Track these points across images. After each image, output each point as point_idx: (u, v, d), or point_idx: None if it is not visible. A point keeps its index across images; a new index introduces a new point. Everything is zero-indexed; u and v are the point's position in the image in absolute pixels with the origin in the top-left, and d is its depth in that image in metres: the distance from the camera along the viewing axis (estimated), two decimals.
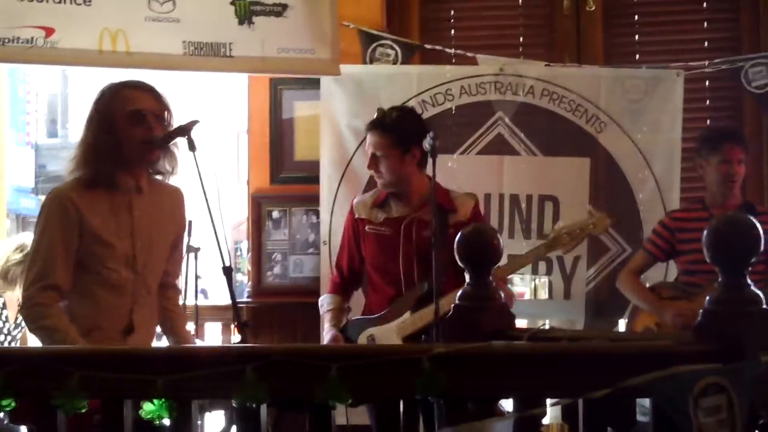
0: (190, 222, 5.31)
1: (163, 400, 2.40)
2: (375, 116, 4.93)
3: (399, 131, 4.78)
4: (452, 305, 2.79)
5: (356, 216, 4.98)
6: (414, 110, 5.20)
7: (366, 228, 4.94)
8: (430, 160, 4.54)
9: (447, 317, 2.81)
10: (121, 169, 3.91)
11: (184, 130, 3.81)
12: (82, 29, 5.40)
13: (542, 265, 5.98)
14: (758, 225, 2.36)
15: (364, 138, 5.86)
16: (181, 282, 4.52)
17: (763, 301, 2.35)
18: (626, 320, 5.79)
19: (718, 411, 2.22)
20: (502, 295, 2.86)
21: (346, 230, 5.09)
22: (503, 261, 5.48)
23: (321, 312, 5.10)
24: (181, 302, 4.35)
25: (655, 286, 5.49)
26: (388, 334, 4.76)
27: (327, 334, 4.98)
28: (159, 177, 4.06)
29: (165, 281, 4.15)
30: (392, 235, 4.81)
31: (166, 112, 3.94)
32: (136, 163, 3.93)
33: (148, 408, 2.41)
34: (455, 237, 2.77)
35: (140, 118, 3.86)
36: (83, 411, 2.45)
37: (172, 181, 4.12)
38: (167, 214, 4.09)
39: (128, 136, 3.85)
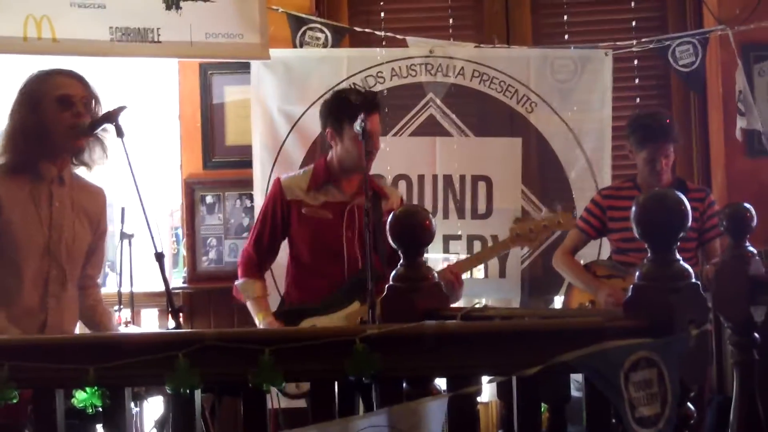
0: (122, 209, 5.28)
1: (95, 388, 2.38)
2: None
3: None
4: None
5: (287, 197, 4.87)
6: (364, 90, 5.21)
7: (303, 210, 4.84)
8: None
9: (382, 297, 2.81)
10: (44, 157, 3.88)
11: (112, 117, 3.78)
12: (5, 16, 5.32)
13: (477, 244, 6.00)
14: (685, 200, 2.38)
15: (296, 122, 5.87)
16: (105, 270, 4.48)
17: (692, 275, 2.37)
18: (562, 298, 5.85)
19: (649, 385, 2.24)
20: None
21: (269, 208, 4.94)
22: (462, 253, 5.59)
23: (243, 298, 4.97)
24: (100, 292, 4.30)
25: (590, 265, 5.54)
26: (335, 324, 4.65)
27: (264, 323, 4.83)
28: (84, 168, 4.02)
29: (86, 282, 4.13)
30: (334, 219, 4.77)
31: (93, 101, 3.91)
32: (62, 149, 3.91)
33: (80, 396, 2.39)
34: None
35: (69, 103, 3.85)
36: (14, 402, 2.42)
37: (97, 176, 4.10)
38: (88, 212, 4.07)
39: (56, 120, 3.84)
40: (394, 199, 4.93)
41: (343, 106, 4.76)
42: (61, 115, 3.83)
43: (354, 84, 5.93)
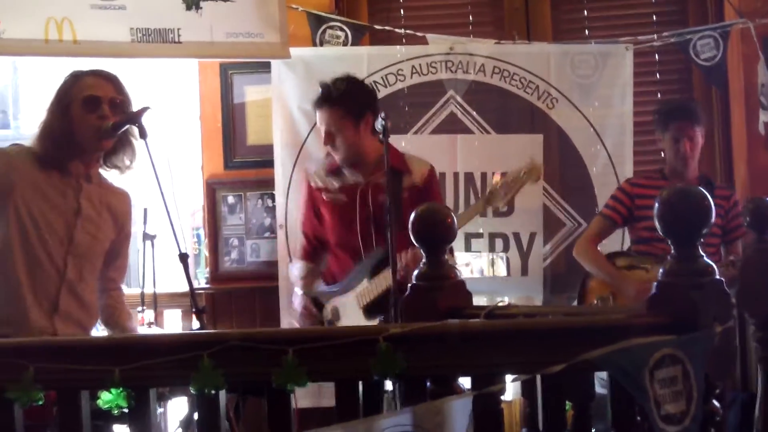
0: (145, 209, 5.30)
1: (120, 389, 2.39)
2: (320, 92, 4.89)
3: (348, 102, 4.77)
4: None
5: (313, 185, 5.00)
6: (356, 78, 5.10)
7: (323, 196, 4.95)
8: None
9: (404, 296, 2.81)
10: (73, 156, 3.96)
11: (134, 118, 3.82)
12: (27, 19, 5.34)
13: (499, 242, 6.00)
14: (709, 196, 2.37)
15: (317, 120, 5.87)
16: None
17: (716, 271, 2.36)
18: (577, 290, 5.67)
19: (674, 382, 2.23)
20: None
21: (305, 199, 5.10)
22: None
23: (292, 279, 5.18)
24: (122, 294, 4.35)
25: (610, 255, 5.49)
26: (350, 304, 4.80)
27: (297, 300, 5.07)
28: (116, 171, 4.09)
29: (107, 285, 4.20)
30: (349, 202, 4.81)
31: (123, 101, 3.96)
32: (89, 150, 3.97)
33: (105, 398, 2.40)
34: (409, 200, 2.77)
35: (95, 104, 3.90)
36: (40, 403, 2.44)
37: (128, 179, 4.17)
38: (113, 211, 4.14)
39: (81, 121, 3.90)
40: (418, 172, 4.88)
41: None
42: (87, 116, 3.89)
43: (374, 82, 5.91)
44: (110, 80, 3.99)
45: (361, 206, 4.74)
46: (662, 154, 5.61)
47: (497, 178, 4.90)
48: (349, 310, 4.77)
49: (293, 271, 5.19)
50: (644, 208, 5.27)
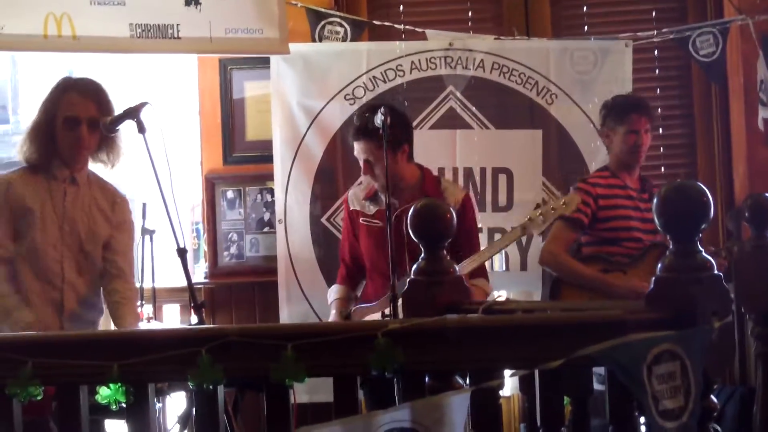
0: (144, 204, 5.31)
1: (118, 384, 2.39)
2: (357, 123, 4.95)
3: (385, 134, 4.71)
4: None
5: (351, 207, 5.12)
6: (394, 107, 5.06)
7: (360, 220, 5.06)
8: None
9: (403, 292, 2.81)
10: (57, 160, 4.17)
11: (133, 113, 3.83)
12: (26, 14, 5.34)
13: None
14: (708, 193, 2.37)
15: (316, 116, 5.88)
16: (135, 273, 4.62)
17: (714, 266, 2.37)
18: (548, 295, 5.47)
19: (672, 378, 2.23)
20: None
21: (345, 221, 5.24)
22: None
23: (329, 302, 5.25)
24: (131, 291, 4.39)
25: (579, 261, 5.28)
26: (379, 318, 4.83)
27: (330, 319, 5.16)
28: (101, 165, 4.27)
29: (112, 273, 4.28)
30: (384, 227, 4.79)
31: (106, 119, 4.07)
32: (69, 162, 4.19)
33: (104, 393, 2.40)
34: None
35: (75, 123, 4.09)
36: (39, 398, 2.44)
37: (119, 173, 4.34)
38: (100, 206, 4.27)
39: (62, 137, 4.12)
40: (452, 198, 4.94)
41: None
42: (66, 134, 4.11)
43: (374, 77, 5.93)
44: (92, 98, 4.13)
45: (396, 231, 4.70)
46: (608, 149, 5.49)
47: (535, 209, 4.94)
48: None
49: (329, 294, 5.29)
50: (607, 208, 5.19)
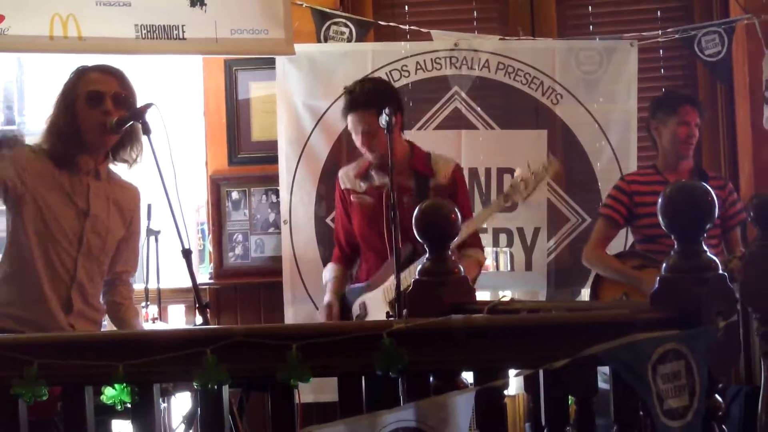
0: (149, 205, 5.32)
1: (124, 384, 2.39)
2: (347, 98, 4.97)
3: (379, 102, 4.79)
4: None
5: (342, 186, 5.16)
6: (381, 78, 5.19)
7: (351, 197, 5.10)
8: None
9: (409, 292, 2.81)
10: (81, 152, 3.98)
11: (138, 114, 3.82)
12: (32, 15, 5.35)
13: (503, 238, 6.01)
14: (712, 192, 2.37)
15: (321, 116, 5.88)
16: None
17: (719, 266, 2.36)
18: (589, 291, 5.69)
19: (677, 377, 2.23)
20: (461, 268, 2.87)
21: (337, 202, 5.28)
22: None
23: (323, 281, 5.29)
24: (133, 295, 4.37)
25: (618, 257, 5.46)
26: (377, 298, 4.92)
27: (324, 300, 5.20)
28: (123, 165, 4.12)
29: (116, 278, 4.25)
30: (375, 203, 4.87)
31: (128, 96, 3.98)
32: (94, 145, 3.99)
33: (109, 393, 2.40)
34: None
35: (98, 99, 3.92)
36: (44, 399, 2.44)
37: (133, 174, 4.21)
38: (121, 207, 4.17)
39: (85, 116, 3.92)
40: (443, 172, 5.02)
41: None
42: (90, 112, 3.91)
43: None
44: (114, 75, 4.01)
45: (387, 207, 4.73)
46: (657, 144, 5.52)
47: (517, 173, 4.95)
48: (376, 305, 4.88)
49: (325, 273, 5.32)
50: (644, 205, 5.26)
